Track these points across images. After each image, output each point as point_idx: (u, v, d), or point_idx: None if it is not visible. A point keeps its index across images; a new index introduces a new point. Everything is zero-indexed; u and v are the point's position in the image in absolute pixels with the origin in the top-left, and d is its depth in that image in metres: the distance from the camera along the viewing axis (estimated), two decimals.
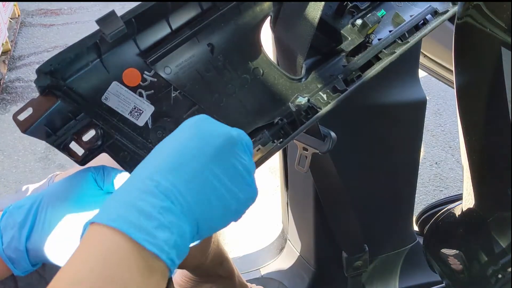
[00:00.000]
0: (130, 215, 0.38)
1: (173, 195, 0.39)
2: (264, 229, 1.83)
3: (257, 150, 0.56)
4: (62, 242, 0.48)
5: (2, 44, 2.99)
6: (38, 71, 0.46)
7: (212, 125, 0.44)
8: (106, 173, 0.52)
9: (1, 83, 2.83)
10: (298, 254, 1.34)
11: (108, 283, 0.35)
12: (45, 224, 0.49)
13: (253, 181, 0.44)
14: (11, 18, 3.45)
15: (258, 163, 0.56)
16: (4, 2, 3.18)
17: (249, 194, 0.44)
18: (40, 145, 2.35)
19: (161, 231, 0.38)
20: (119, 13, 0.47)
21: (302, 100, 0.58)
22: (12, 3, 3.48)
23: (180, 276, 1.14)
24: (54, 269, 0.42)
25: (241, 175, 0.43)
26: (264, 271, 1.38)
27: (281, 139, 0.57)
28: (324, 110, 0.59)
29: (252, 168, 0.45)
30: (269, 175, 2.10)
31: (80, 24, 3.64)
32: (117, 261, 0.37)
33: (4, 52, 3.05)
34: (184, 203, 0.40)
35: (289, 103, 0.59)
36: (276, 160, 1.38)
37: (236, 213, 0.44)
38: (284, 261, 1.38)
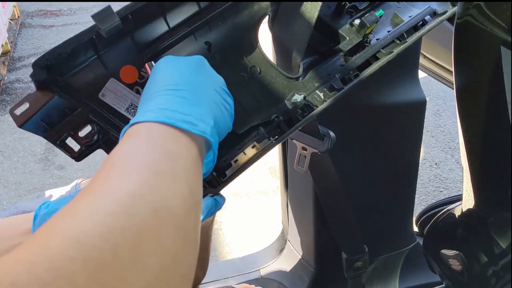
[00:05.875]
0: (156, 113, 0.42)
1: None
2: (264, 229, 1.83)
3: (252, 147, 0.56)
4: None
5: (2, 45, 2.99)
6: (34, 65, 0.46)
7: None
8: None
9: (1, 84, 2.83)
10: (298, 255, 1.34)
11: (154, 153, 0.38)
12: None
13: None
14: (10, 19, 3.45)
15: (253, 159, 0.56)
16: (3, 3, 3.18)
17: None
18: (40, 146, 2.35)
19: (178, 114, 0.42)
20: None
21: (298, 98, 0.58)
22: (11, 4, 3.48)
23: None
24: None
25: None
26: (264, 271, 1.38)
27: (277, 136, 0.57)
28: (320, 108, 0.59)
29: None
30: (269, 176, 2.10)
31: (79, 25, 3.64)
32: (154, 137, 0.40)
33: (4, 53, 3.05)
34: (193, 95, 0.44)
35: (285, 101, 0.58)
36: (276, 161, 1.38)
37: (230, 114, 0.48)
38: (284, 262, 1.38)
